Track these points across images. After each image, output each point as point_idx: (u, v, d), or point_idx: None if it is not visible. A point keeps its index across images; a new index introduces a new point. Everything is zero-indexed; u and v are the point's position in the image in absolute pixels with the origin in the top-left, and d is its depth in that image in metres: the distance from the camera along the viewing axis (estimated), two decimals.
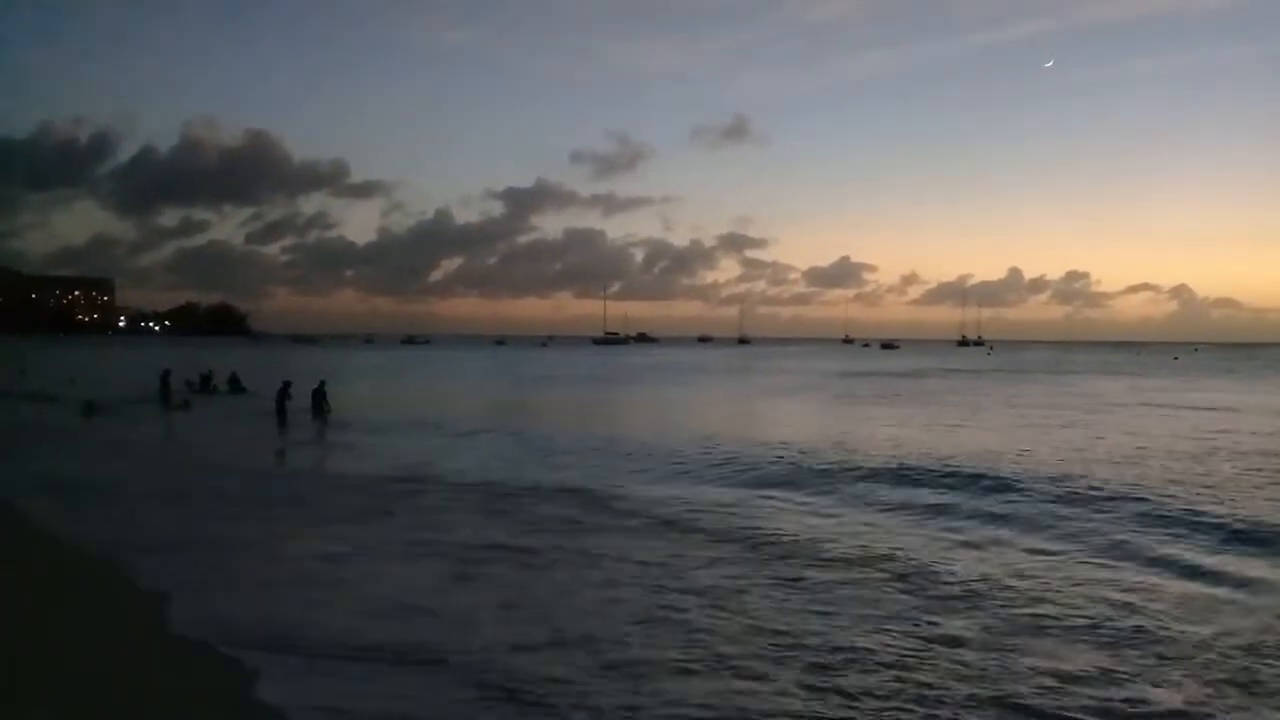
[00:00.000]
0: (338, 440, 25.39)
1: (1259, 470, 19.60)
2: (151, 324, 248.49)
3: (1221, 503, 15.49)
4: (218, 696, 7.23)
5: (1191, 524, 13.83)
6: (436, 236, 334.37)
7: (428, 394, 47.35)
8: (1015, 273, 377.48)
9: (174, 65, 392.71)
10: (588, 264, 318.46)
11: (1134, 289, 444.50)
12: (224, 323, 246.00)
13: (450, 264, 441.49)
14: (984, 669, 7.81)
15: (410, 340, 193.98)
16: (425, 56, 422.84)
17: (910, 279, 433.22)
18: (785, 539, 12.85)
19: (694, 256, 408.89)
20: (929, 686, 7.44)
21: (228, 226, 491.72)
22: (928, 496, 16.35)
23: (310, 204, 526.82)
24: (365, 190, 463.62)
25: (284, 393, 29.78)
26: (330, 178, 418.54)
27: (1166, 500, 15.58)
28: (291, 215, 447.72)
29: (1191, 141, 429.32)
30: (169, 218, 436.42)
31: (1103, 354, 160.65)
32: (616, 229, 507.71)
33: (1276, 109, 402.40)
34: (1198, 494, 16.35)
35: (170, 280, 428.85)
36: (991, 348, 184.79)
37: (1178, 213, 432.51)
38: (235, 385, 40.48)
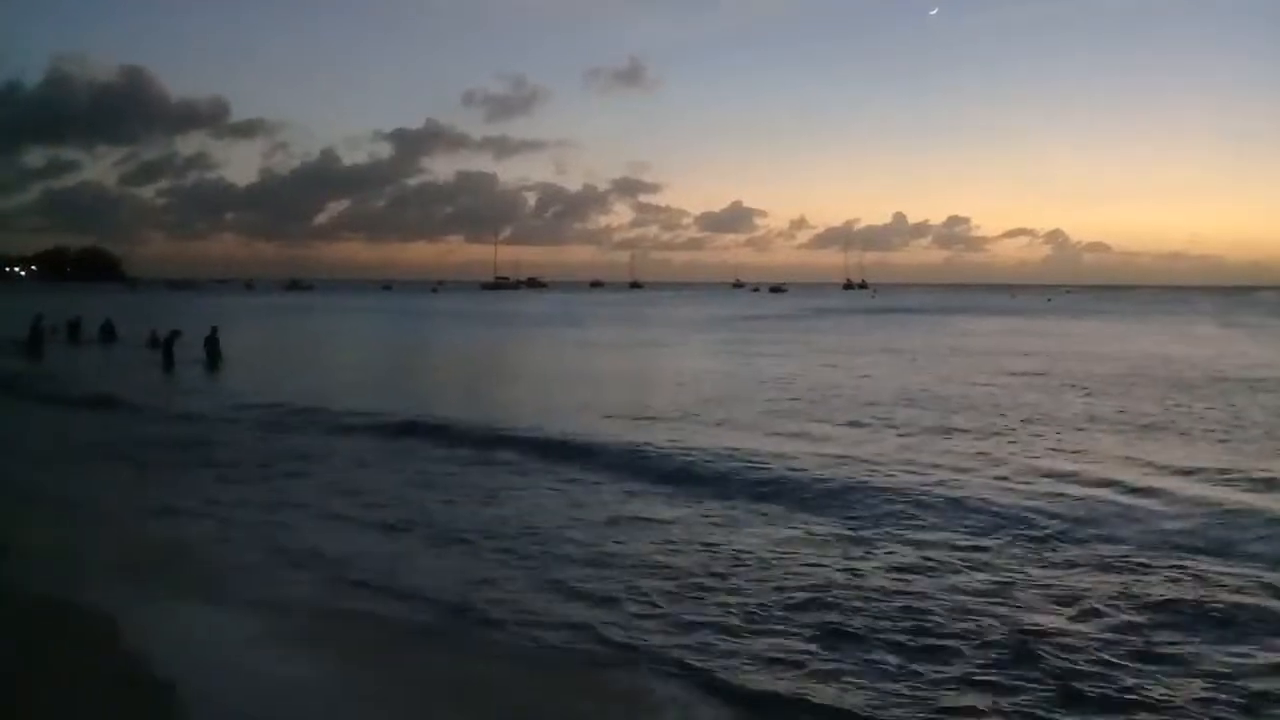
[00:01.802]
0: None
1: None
2: (17, 269, 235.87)
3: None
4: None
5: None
6: (322, 178, 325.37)
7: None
8: (900, 218, 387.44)
9: None
10: (479, 208, 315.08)
11: (1011, 234, 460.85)
12: (96, 268, 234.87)
13: (336, 207, 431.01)
14: None
15: (294, 285, 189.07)
16: None
17: (799, 224, 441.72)
18: None
19: (587, 201, 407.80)
20: None
21: (100, 168, 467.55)
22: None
23: (189, 144, 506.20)
24: (247, 130, 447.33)
25: (170, 340, 29.48)
26: (210, 117, 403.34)
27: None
28: (169, 156, 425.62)
29: (1068, 90, 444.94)
30: (35, 157, 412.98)
31: (980, 295, 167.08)
32: (509, 173, 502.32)
33: (1151, 61, 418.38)
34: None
35: (37, 223, 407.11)
36: (875, 291, 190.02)
37: (1054, 160, 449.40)
38: (107, 333, 39.27)
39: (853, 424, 18.30)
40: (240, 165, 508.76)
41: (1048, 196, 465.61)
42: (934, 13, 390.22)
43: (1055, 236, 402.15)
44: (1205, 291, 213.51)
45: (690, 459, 14.25)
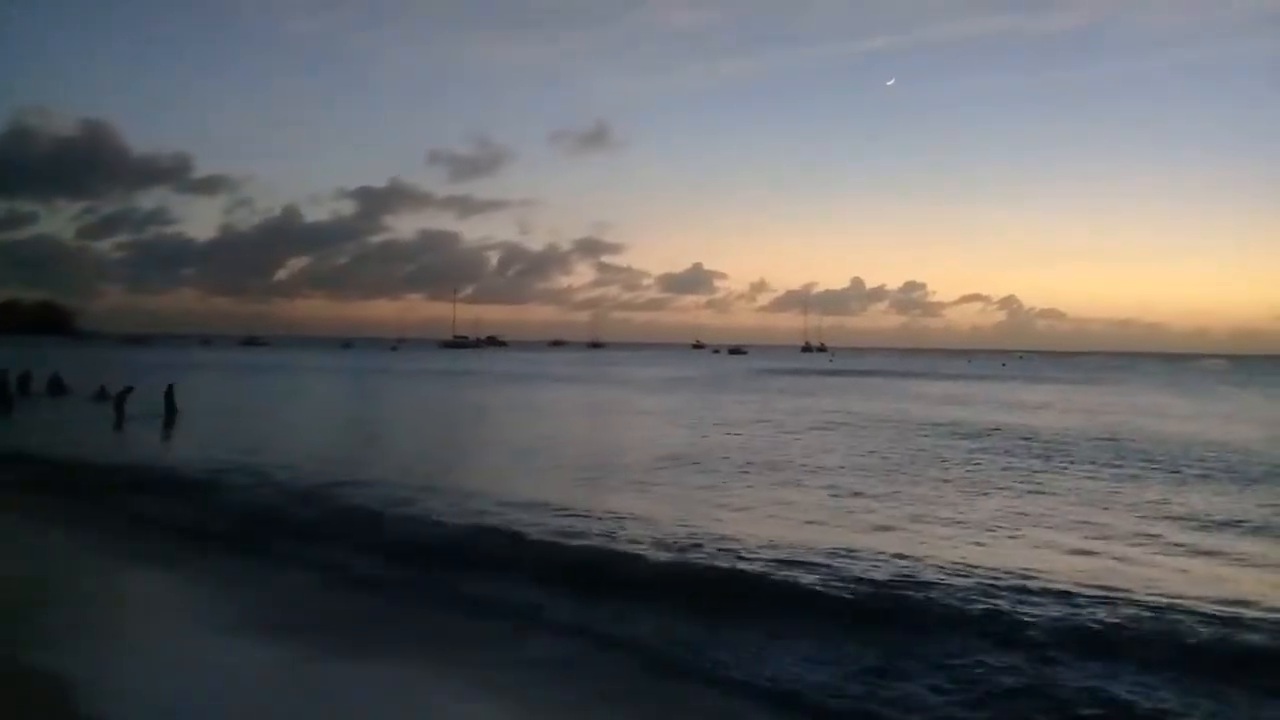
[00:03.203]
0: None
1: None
2: None
3: None
4: None
5: None
6: (284, 235, 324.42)
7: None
8: (858, 282, 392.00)
9: (3, 51, 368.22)
10: (441, 266, 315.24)
11: (967, 299, 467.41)
12: (49, 322, 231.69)
13: (298, 264, 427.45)
14: None
15: (251, 342, 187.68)
16: (273, 46, 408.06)
17: (759, 286, 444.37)
18: None
19: (549, 260, 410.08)
20: None
21: (57, 221, 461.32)
22: None
23: (150, 199, 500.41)
24: (209, 185, 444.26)
25: (122, 396, 29.74)
26: (172, 172, 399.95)
27: None
28: (128, 210, 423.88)
29: (1021, 159, 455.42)
30: None
31: (937, 360, 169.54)
32: (472, 231, 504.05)
33: (1100, 131, 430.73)
34: None
35: None
36: (833, 355, 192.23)
37: (1008, 227, 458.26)
38: (55, 387, 39.22)
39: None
40: (201, 221, 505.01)
41: (1002, 263, 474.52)
42: (890, 83, 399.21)
43: (1009, 303, 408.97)
44: (1153, 358, 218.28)
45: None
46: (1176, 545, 13.44)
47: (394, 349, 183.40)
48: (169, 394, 30.26)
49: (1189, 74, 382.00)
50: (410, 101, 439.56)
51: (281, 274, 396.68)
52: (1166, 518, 15.57)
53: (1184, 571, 11.79)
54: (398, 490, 16.62)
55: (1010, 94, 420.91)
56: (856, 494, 17.50)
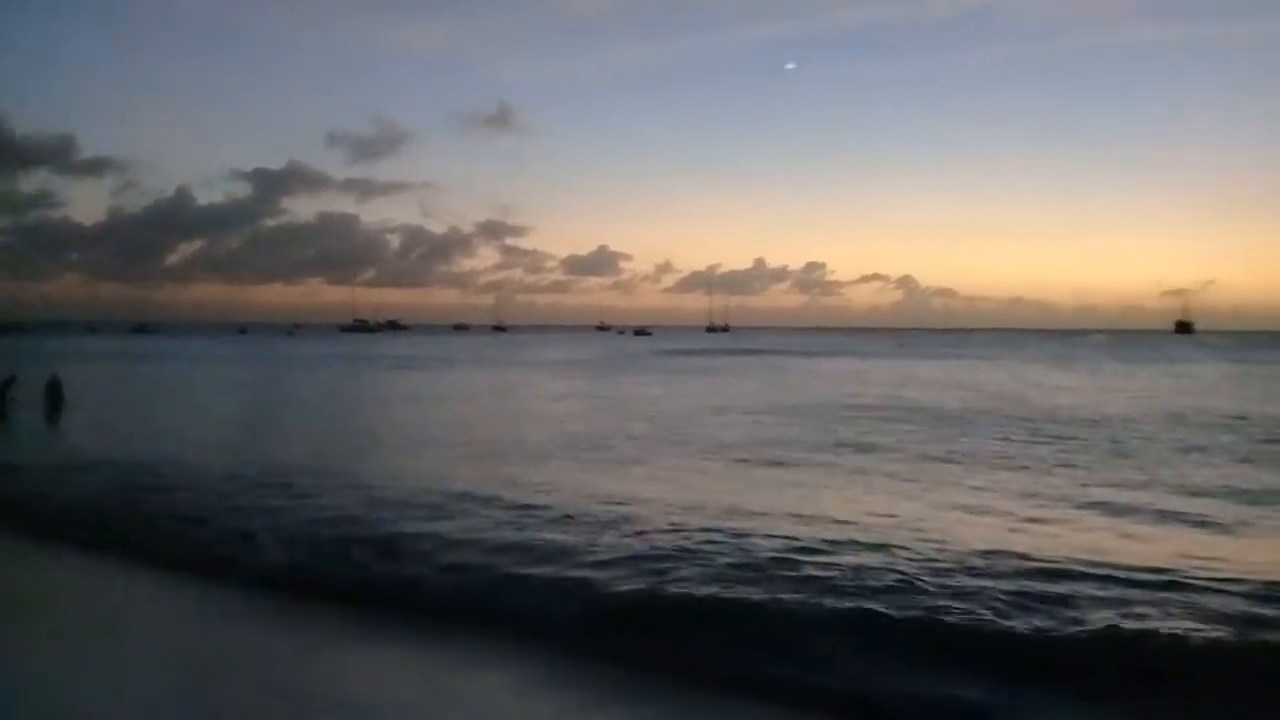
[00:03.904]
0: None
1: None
2: None
3: None
4: None
5: None
6: (175, 218, 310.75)
7: None
8: (760, 263, 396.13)
9: None
10: (340, 250, 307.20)
11: (865, 279, 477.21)
12: None
13: (190, 248, 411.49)
14: None
15: (141, 329, 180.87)
16: (164, 24, 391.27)
17: (665, 268, 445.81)
18: None
19: (452, 244, 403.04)
20: None
21: None
22: None
23: (31, 182, 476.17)
24: (95, 167, 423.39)
25: (4, 387, 28.74)
26: (55, 154, 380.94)
27: None
28: (8, 194, 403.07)
29: (917, 141, 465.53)
30: None
31: (836, 339, 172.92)
32: (372, 214, 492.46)
33: (992, 113, 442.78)
34: None
35: None
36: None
37: (905, 207, 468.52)
38: None
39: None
40: (87, 204, 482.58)
41: (899, 243, 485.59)
42: (791, 67, 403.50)
43: (906, 282, 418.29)
44: (1042, 334, 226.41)
45: None
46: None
47: (291, 334, 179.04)
48: (53, 385, 28.96)
49: (1075, 59, 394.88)
50: (309, 83, 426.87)
51: (173, 258, 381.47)
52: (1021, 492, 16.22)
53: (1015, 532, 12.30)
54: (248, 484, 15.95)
55: (908, 78, 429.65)
56: (764, 465, 17.81)
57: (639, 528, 12.08)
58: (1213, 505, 14.31)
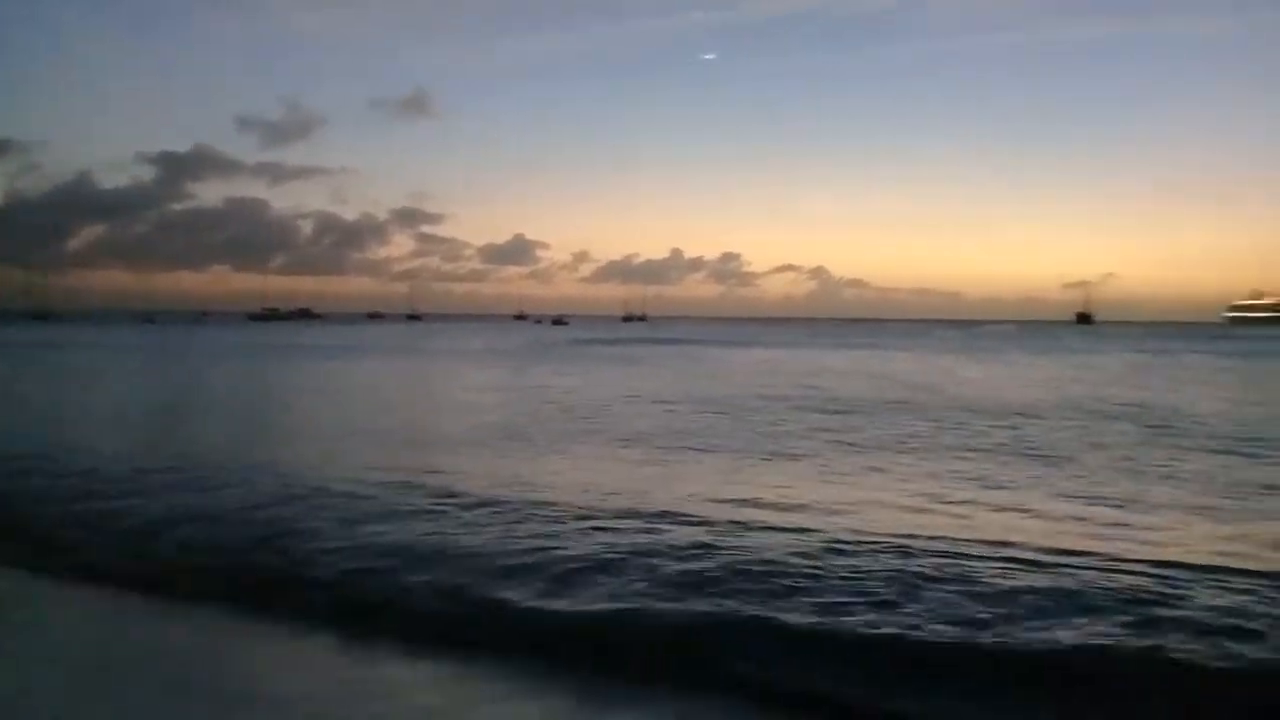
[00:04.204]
0: None
1: None
2: None
3: None
4: None
5: None
6: (77, 202, 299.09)
7: None
8: (677, 252, 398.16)
9: None
10: (250, 236, 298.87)
11: (780, 269, 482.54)
12: None
13: (92, 233, 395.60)
14: None
15: (40, 317, 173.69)
16: (67, 2, 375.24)
17: (582, 257, 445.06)
18: None
19: (366, 231, 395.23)
20: None
21: None
22: None
23: None
24: None
25: None
26: None
27: None
28: None
29: (830, 134, 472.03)
30: None
31: (752, 329, 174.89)
32: (283, 200, 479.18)
33: (906, 108, 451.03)
34: None
35: None
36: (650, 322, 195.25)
37: (818, 199, 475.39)
38: None
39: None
40: None
41: (813, 234, 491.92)
42: (709, 57, 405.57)
43: (819, 273, 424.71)
44: (951, 324, 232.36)
45: None
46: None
47: (199, 322, 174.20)
48: None
49: (986, 55, 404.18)
50: (217, 64, 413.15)
51: (75, 244, 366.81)
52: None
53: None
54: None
55: (824, 70, 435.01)
56: (673, 456, 17.84)
57: (552, 515, 12.01)
58: (1110, 488, 14.75)
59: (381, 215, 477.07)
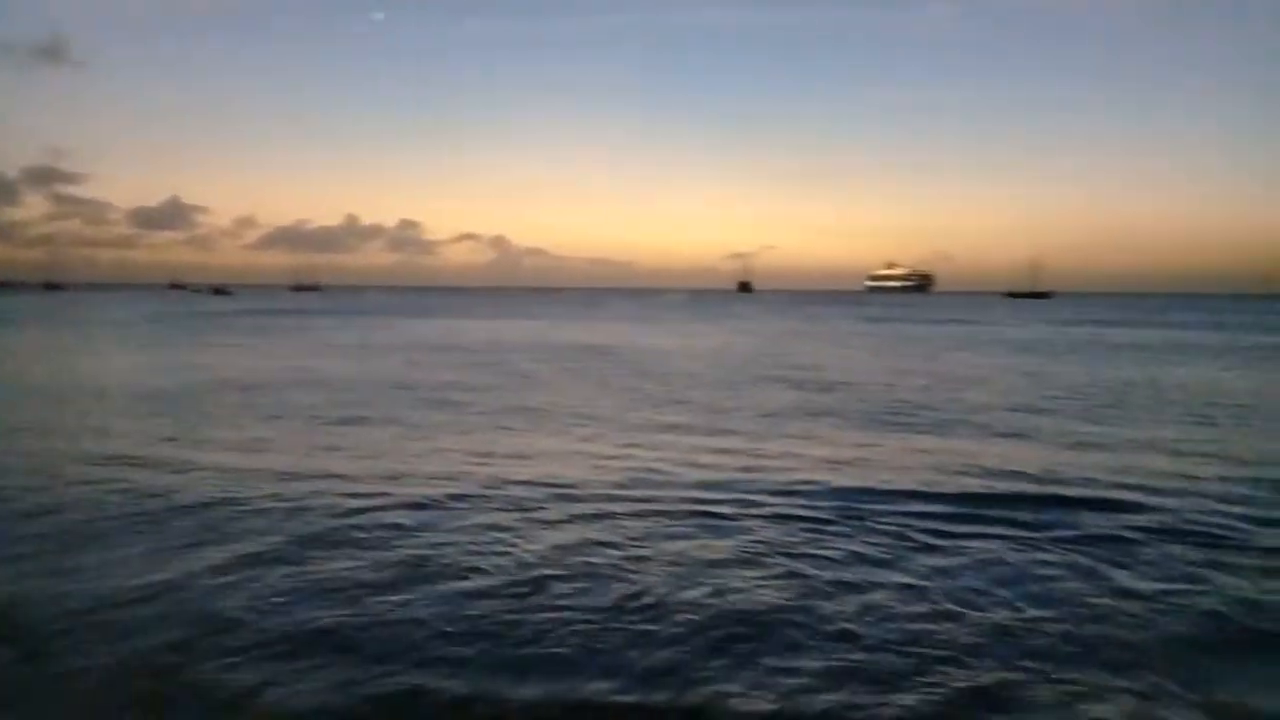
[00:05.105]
0: None
1: None
2: None
3: None
4: None
5: None
6: None
7: None
8: (352, 219, 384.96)
9: None
10: None
11: (460, 238, 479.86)
12: None
13: None
14: None
15: None
16: None
17: (247, 222, 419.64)
18: None
19: None
20: None
21: None
22: None
23: None
24: None
25: None
26: None
27: None
28: None
29: (508, 102, 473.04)
30: None
31: (431, 298, 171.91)
32: None
33: (578, 77, 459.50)
34: None
35: None
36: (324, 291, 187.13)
37: (499, 166, 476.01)
38: None
39: None
40: None
41: (493, 203, 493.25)
42: (378, 16, 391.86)
43: (499, 242, 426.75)
44: (627, 293, 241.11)
45: None
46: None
47: None
48: None
49: (665, 33, 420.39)
50: None
51: None
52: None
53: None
54: None
55: (502, 40, 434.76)
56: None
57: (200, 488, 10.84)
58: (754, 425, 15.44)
59: (11, 173, 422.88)
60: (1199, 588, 8.10)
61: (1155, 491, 11.78)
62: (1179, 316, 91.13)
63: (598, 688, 6.13)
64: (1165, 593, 7.95)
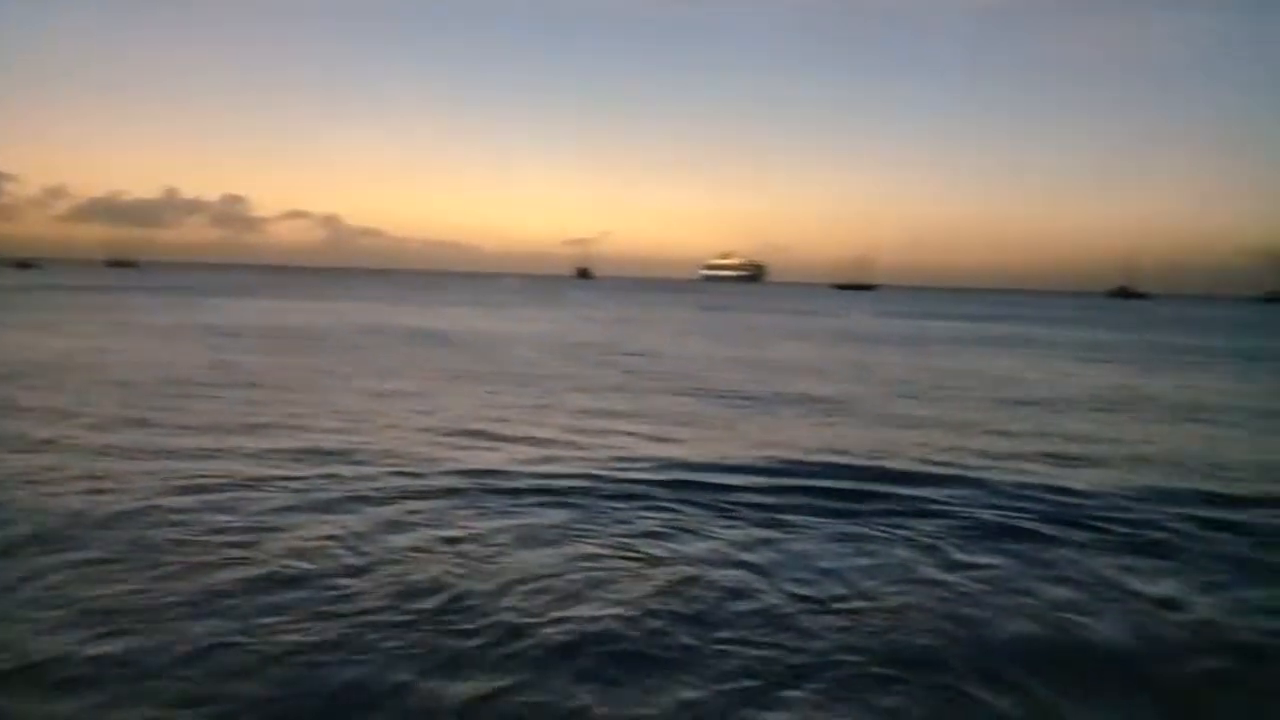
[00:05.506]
0: None
1: None
2: None
3: None
4: None
5: None
6: None
7: None
8: (172, 192, 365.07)
9: None
10: None
11: (290, 215, 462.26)
12: None
13: None
14: None
15: None
16: None
17: (56, 192, 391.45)
18: None
19: None
20: None
21: None
22: None
23: None
24: None
25: None
26: None
27: None
28: None
29: (336, 77, 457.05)
30: None
31: (256, 277, 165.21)
32: None
33: (429, 53, 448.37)
34: None
35: None
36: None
37: (333, 143, 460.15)
38: None
39: None
40: None
41: (326, 178, 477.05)
42: None
43: (332, 221, 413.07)
44: (464, 277, 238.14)
45: None
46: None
47: None
48: None
49: (502, 7, 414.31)
50: None
51: None
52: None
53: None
54: None
55: (320, 8, 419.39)
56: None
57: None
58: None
59: None
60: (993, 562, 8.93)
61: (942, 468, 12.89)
62: (990, 310, 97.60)
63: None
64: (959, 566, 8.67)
